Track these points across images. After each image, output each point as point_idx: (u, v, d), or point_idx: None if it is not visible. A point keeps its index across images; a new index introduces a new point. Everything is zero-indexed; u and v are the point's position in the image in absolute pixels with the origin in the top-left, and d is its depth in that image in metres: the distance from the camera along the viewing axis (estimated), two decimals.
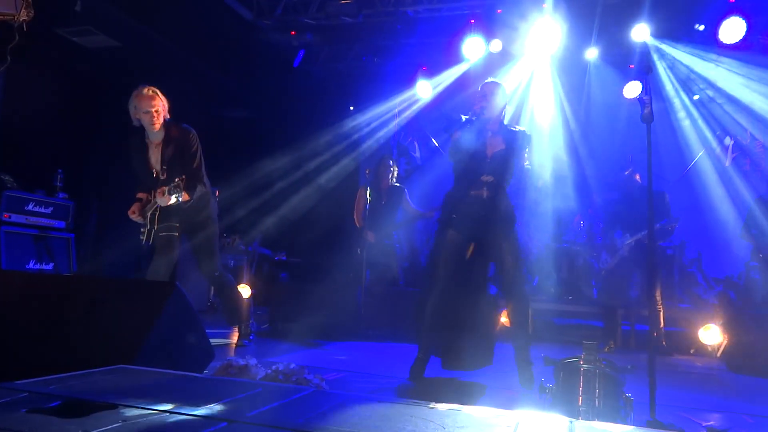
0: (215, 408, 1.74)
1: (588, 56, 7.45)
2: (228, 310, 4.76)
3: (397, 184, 6.46)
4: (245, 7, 7.56)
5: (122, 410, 1.59)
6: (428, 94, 8.07)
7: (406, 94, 8.37)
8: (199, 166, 4.28)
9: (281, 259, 7.35)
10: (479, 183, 3.72)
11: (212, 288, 6.59)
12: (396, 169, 6.50)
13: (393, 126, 8.78)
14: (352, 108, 8.57)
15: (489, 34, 7.22)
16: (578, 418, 2.47)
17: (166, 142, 4.24)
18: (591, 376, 2.65)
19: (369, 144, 8.53)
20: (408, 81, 8.21)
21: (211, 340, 3.28)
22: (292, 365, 2.79)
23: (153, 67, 6.91)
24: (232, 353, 4.44)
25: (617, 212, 6.23)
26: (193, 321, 3.03)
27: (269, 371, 2.79)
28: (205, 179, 4.37)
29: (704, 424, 2.97)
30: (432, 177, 8.84)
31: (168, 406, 1.67)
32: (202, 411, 1.67)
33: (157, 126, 4.18)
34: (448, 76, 7.99)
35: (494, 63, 7.68)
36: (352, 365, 4.27)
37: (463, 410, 2.43)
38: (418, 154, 9.01)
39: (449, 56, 7.70)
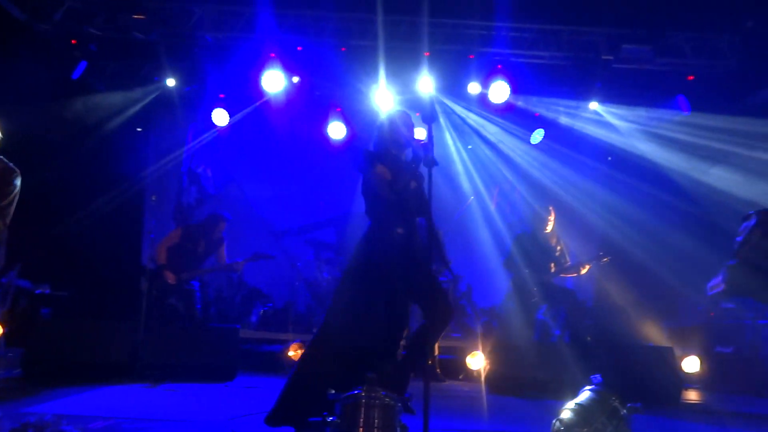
0: None
1: (377, 100, 7.93)
2: None
3: (222, 237, 6.63)
4: (16, 6, 6.67)
5: None
6: (224, 122, 7.89)
7: (202, 121, 8.08)
8: (7, 207, 3.91)
9: (43, 292, 6.47)
10: (403, 219, 3.58)
11: None
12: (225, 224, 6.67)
13: (184, 152, 8.38)
14: (140, 129, 7.99)
15: (290, 69, 7.33)
16: None
17: None
18: (371, 407, 2.75)
19: (156, 168, 8.00)
20: (204, 107, 7.94)
21: None
22: (47, 416, 2.44)
23: None
24: None
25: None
26: None
27: (17, 425, 2.40)
28: (6, 225, 3.93)
29: None
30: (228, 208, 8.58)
31: None
32: None
33: None
34: (246, 106, 7.90)
35: (295, 98, 7.82)
36: (125, 410, 3.89)
37: None
38: (211, 184, 8.71)
39: (249, 86, 7.64)
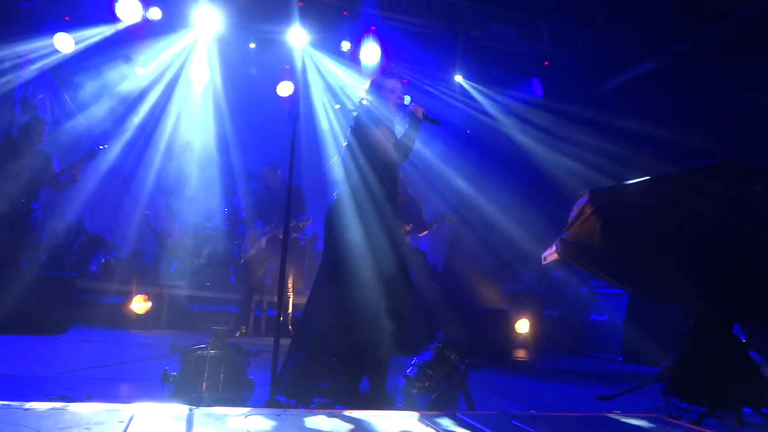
0: None
1: (249, 48, 7.58)
2: None
3: (45, 150, 5.76)
4: None
5: None
6: (69, 49, 7.04)
7: (40, 43, 7.12)
8: None
9: None
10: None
11: None
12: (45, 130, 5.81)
13: (18, 77, 7.37)
14: None
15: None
16: (201, 405, 2.46)
17: None
18: (216, 361, 2.67)
19: None
20: (44, 29, 7.01)
21: None
22: None
23: None
24: None
25: (259, 203, 6.51)
26: None
27: None
28: None
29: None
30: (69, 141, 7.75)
31: None
32: None
33: None
34: (95, 34, 7.10)
35: (154, 29, 7.20)
36: None
37: (69, 408, 2.18)
38: (49, 115, 7.78)
39: (100, 12, 6.88)
